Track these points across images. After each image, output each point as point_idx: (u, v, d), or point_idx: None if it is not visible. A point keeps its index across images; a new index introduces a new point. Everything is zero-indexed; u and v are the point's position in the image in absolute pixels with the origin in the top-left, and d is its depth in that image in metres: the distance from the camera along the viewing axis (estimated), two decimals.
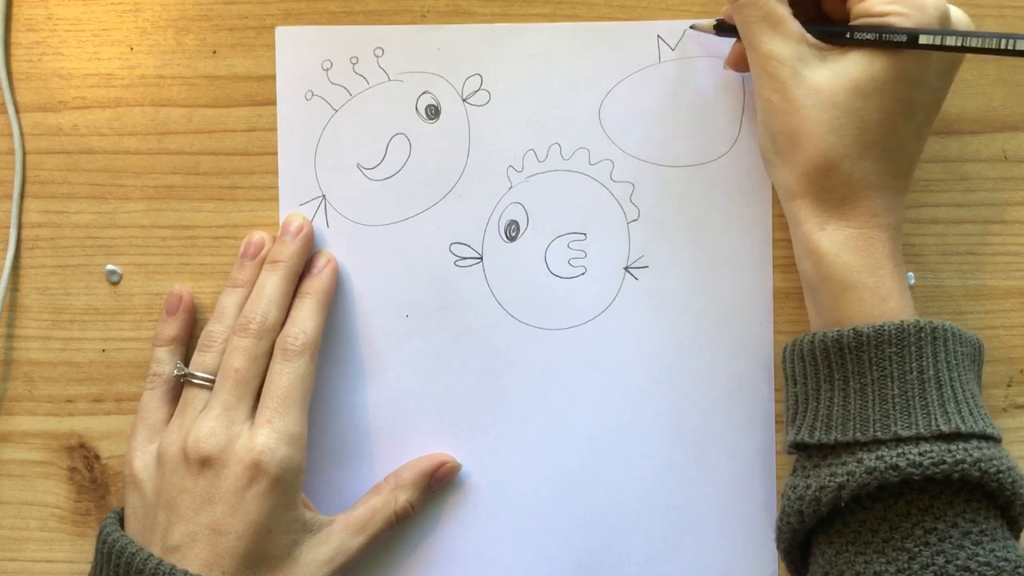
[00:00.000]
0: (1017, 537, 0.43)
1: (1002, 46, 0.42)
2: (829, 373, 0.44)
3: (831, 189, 0.44)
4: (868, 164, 0.44)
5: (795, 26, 0.44)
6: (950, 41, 0.42)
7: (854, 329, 0.43)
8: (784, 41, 0.44)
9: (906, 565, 0.41)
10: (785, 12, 0.44)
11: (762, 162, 0.48)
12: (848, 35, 0.44)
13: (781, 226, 0.50)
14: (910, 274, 0.51)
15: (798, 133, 0.44)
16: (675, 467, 0.50)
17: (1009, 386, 0.51)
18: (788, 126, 0.44)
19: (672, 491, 0.50)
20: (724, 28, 0.48)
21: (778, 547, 0.46)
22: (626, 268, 0.51)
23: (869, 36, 0.43)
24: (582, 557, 0.50)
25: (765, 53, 0.44)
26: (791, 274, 0.50)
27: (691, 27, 0.50)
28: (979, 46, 0.42)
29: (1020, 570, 0.40)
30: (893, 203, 0.45)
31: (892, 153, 0.44)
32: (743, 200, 0.50)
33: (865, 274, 0.44)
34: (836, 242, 0.44)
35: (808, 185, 0.45)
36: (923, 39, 0.42)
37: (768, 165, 0.47)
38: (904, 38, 0.42)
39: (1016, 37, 0.42)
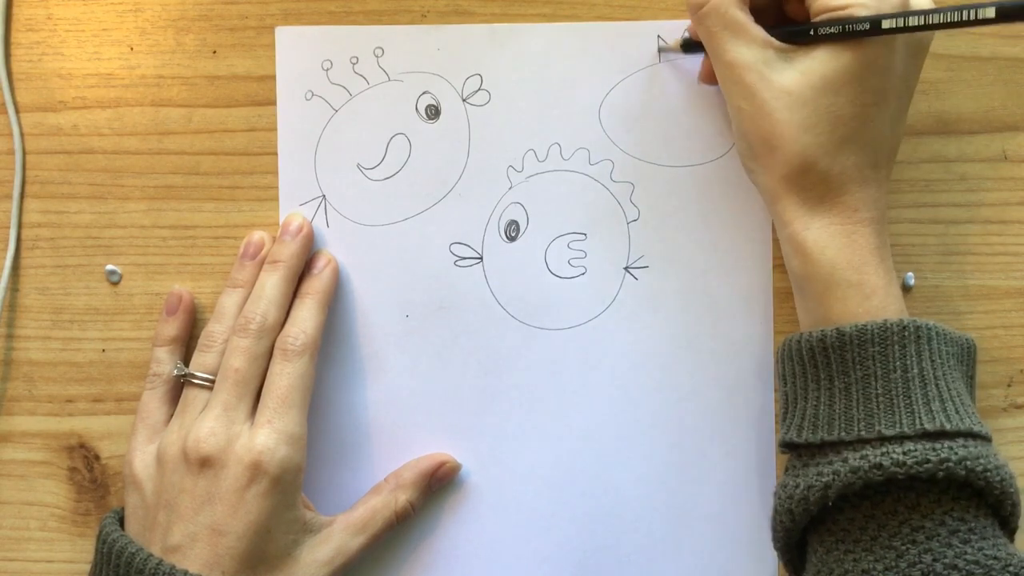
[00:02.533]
0: (1011, 537, 0.43)
1: (965, 17, 0.41)
2: (816, 373, 0.44)
3: (811, 187, 0.44)
4: (845, 158, 0.44)
5: (757, 31, 0.44)
6: (913, 21, 0.42)
7: (837, 329, 0.43)
8: (748, 47, 0.44)
9: (894, 563, 0.41)
10: (746, 18, 0.45)
11: (743, 170, 0.48)
12: (812, 32, 0.43)
13: None
14: (910, 274, 0.51)
15: (773, 137, 0.44)
16: (675, 467, 0.50)
17: (1009, 386, 0.51)
18: (762, 131, 0.44)
19: (672, 491, 0.50)
20: (691, 46, 0.49)
21: (774, 546, 0.46)
22: (626, 268, 0.51)
23: (833, 29, 0.43)
24: (582, 557, 0.50)
25: (730, 61, 0.45)
26: None
27: (659, 49, 0.50)
28: (942, 21, 0.42)
29: (1010, 568, 0.40)
30: (874, 196, 0.45)
31: (868, 145, 0.44)
32: (743, 200, 0.50)
33: (849, 272, 0.44)
34: (821, 239, 0.44)
35: (789, 186, 0.45)
36: (886, 23, 0.42)
37: (749, 172, 0.47)
38: (867, 26, 0.42)
39: (978, 6, 0.41)
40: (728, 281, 0.51)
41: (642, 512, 0.50)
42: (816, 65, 0.43)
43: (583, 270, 0.51)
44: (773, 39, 0.44)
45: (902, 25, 0.42)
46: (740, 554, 0.50)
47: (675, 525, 0.50)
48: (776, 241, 0.50)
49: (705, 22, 0.45)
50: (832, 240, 0.44)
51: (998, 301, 0.51)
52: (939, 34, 0.51)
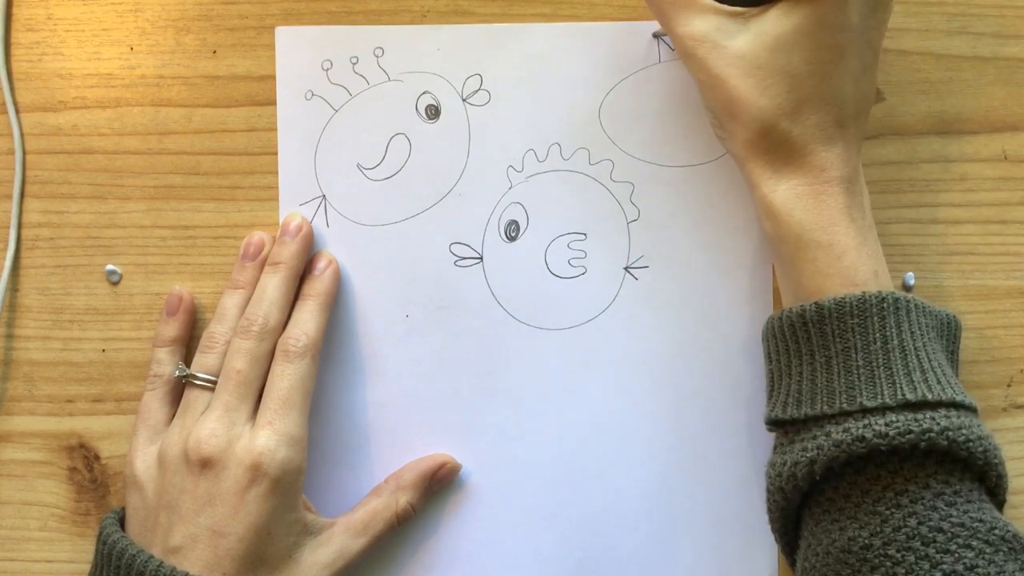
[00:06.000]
0: (999, 509, 0.42)
1: None
2: (797, 348, 0.44)
3: (775, 150, 0.44)
4: (806, 118, 0.44)
5: (706, 1, 0.44)
6: None
7: (815, 303, 0.43)
8: (699, 18, 0.44)
9: (879, 528, 0.40)
10: None
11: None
12: None
13: None
14: (910, 274, 0.51)
15: (731, 103, 0.44)
16: (675, 467, 0.50)
17: (1009, 386, 0.51)
18: (721, 99, 0.45)
19: (672, 491, 0.50)
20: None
21: (771, 527, 0.46)
22: (626, 268, 0.51)
23: None
24: (582, 557, 0.50)
25: (682, 35, 0.44)
26: None
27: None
28: None
29: (996, 531, 0.40)
30: (842, 155, 0.44)
31: (829, 103, 0.44)
32: (743, 200, 0.50)
33: (818, 232, 0.43)
34: (788, 200, 0.44)
35: (754, 150, 0.45)
36: None
37: (720, 141, 0.48)
38: None
39: None
40: (728, 281, 0.51)
41: (642, 512, 0.50)
42: (768, 26, 0.43)
43: (583, 270, 0.51)
44: (724, 6, 0.44)
45: None
46: (740, 554, 0.50)
47: (675, 525, 0.50)
48: None
49: (654, 0, 0.45)
50: (799, 201, 0.44)
51: (998, 301, 0.51)
52: (939, 34, 0.51)
